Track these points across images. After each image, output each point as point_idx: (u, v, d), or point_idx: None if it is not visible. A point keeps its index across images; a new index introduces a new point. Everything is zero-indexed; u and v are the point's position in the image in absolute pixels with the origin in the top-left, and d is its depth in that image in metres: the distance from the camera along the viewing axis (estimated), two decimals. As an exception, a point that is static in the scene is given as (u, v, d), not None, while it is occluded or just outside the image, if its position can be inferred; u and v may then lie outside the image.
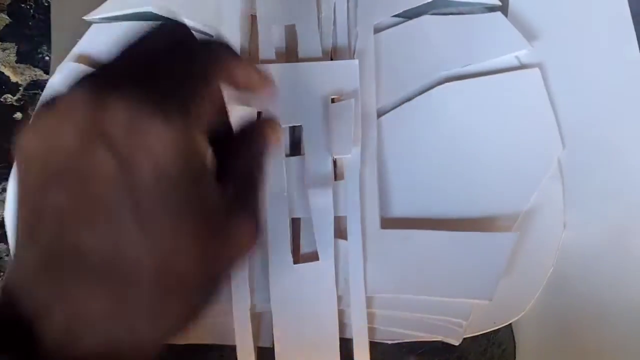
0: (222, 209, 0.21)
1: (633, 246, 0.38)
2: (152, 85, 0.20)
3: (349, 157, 0.36)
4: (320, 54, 0.38)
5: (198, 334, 0.36)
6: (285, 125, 0.37)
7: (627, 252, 0.38)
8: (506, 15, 0.41)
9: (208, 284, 0.21)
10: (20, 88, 0.42)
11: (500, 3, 0.41)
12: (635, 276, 0.38)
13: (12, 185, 0.38)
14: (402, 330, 0.36)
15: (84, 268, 0.18)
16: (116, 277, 0.19)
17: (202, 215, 0.20)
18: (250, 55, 0.39)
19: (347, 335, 0.36)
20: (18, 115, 0.41)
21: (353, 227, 0.36)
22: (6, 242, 0.38)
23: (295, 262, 0.35)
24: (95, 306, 0.19)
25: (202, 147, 0.20)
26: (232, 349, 0.36)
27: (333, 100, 0.37)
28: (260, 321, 0.36)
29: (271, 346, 0.35)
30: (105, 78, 0.20)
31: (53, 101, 0.19)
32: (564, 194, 0.38)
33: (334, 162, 0.37)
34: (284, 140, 0.37)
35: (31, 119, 0.20)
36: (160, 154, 0.19)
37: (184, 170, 0.19)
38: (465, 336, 0.36)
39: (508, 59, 0.40)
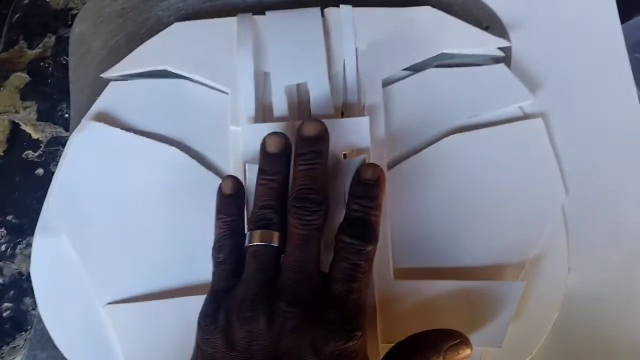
0: None
1: (636, 289, 0.39)
2: None
3: (362, 211, 0.38)
4: (332, 111, 0.40)
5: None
6: (299, 181, 0.38)
7: (631, 295, 0.39)
8: (509, 66, 0.43)
9: None
10: (41, 145, 0.43)
11: (503, 54, 0.43)
12: (638, 318, 0.39)
13: (37, 240, 0.40)
14: (415, 377, 0.38)
15: None
16: None
17: None
18: (264, 113, 0.40)
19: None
20: (40, 171, 0.43)
21: (367, 279, 0.37)
22: (32, 296, 0.39)
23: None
24: None
25: None
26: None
27: (345, 156, 0.38)
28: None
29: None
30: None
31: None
32: (568, 240, 0.40)
33: (347, 216, 0.38)
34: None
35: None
36: None
37: None
38: (475, 381, 0.38)
39: (512, 110, 0.42)
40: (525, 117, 0.42)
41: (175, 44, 0.42)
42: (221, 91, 0.41)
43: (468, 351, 0.32)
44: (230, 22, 0.42)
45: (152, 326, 0.37)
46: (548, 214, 0.40)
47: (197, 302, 0.37)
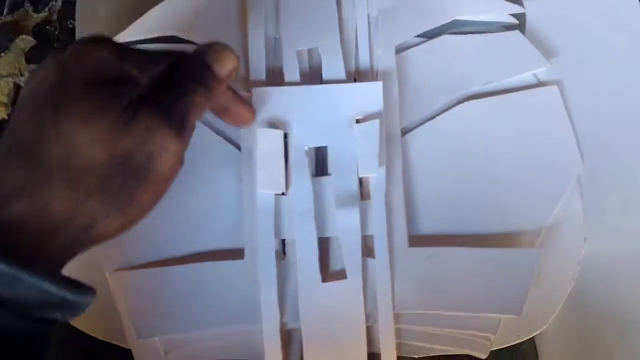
0: (142, 112, 0.27)
1: (652, 259, 0.39)
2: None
3: (375, 177, 0.37)
4: (344, 76, 0.39)
5: (227, 350, 0.37)
6: (311, 145, 0.37)
7: (647, 265, 0.39)
8: (524, 33, 0.42)
9: (123, 172, 0.27)
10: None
11: (517, 21, 0.42)
12: (655, 288, 0.38)
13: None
14: (429, 344, 0.37)
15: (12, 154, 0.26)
16: (36, 160, 0.26)
17: (117, 113, 0.26)
18: (274, 77, 0.40)
19: (376, 351, 0.37)
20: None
21: (380, 246, 0.37)
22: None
23: (323, 281, 0.36)
24: (14, 176, 0.25)
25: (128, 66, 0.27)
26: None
27: (357, 121, 0.38)
28: (290, 339, 0.37)
29: (300, 363, 0.36)
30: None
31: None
32: (584, 209, 0.39)
33: (360, 182, 0.37)
34: (310, 160, 0.38)
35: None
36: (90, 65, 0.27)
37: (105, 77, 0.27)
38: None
39: (526, 77, 0.41)
40: (540, 84, 0.41)
41: (183, 10, 0.41)
42: None
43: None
44: None
45: (158, 292, 0.37)
46: (564, 182, 0.39)
47: (204, 269, 0.37)
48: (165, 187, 0.29)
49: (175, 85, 0.29)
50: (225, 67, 0.30)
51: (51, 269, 0.26)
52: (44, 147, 0.26)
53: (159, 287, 0.37)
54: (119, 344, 0.37)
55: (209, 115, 0.39)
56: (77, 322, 0.37)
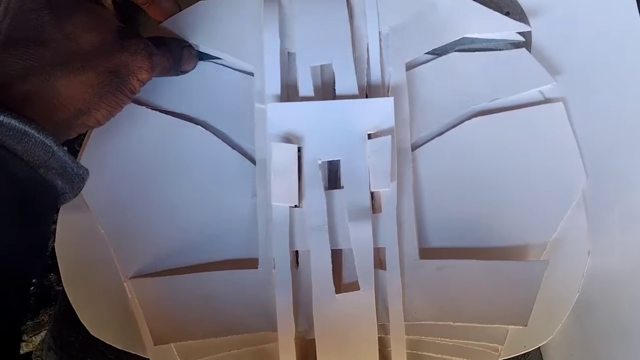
0: (133, 37, 0.35)
1: (655, 272, 0.40)
2: None
3: (387, 191, 0.38)
4: (356, 91, 0.40)
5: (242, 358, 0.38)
6: (325, 159, 0.38)
7: (650, 278, 0.40)
8: (530, 51, 0.43)
9: (113, 77, 0.34)
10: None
11: (523, 39, 0.43)
12: (658, 300, 0.40)
13: (62, 216, 0.40)
14: (439, 355, 0.38)
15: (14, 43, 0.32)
16: (32, 51, 0.31)
17: (114, 31, 0.34)
18: (289, 92, 0.41)
19: (386, 360, 0.38)
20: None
21: (391, 258, 0.38)
22: (57, 272, 0.39)
23: (337, 292, 0.37)
24: (19, 63, 0.31)
25: None
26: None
27: (369, 136, 0.39)
28: (304, 348, 0.38)
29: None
30: None
31: None
32: (588, 223, 0.40)
33: (372, 195, 0.39)
34: (324, 173, 0.39)
35: None
36: None
37: None
38: (498, 360, 0.38)
39: (532, 94, 0.42)
40: (546, 101, 0.42)
41: (201, 21, 0.42)
42: (245, 72, 0.42)
43: None
44: (255, 2, 0.42)
45: (175, 299, 0.38)
46: (569, 197, 0.41)
47: (220, 278, 0.38)
48: (126, 101, 0.36)
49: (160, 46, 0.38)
50: (188, 65, 0.42)
51: (53, 136, 0.31)
52: (49, 44, 0.32)
53: (175, 295, 0.38)
54: (137, 354, 0.38)
55: (226, 130, 0.40)
56: (97, 332, 0.38)
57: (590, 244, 0.40)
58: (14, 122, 0.29)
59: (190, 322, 0.38)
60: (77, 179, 0.34)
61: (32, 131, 0.30)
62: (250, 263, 0.39)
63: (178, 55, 0.40)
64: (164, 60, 0.38)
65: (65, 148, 0.32)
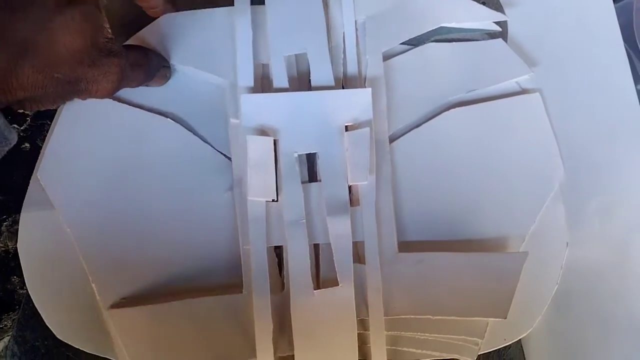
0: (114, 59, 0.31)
1: (633, 262, 0.40)
2: None
3: (365, 184, 0.37)
4: (332, 82, 0.39)
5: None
6: (301, 152, 0.37)
7: (628, 268, 0.40)
8: (506, 41, 0.43)
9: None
10: (27, 118, 0.41)
11: (500, 29, 0.43)
12: (636, 290, 0.40)
13: (25, 215, 0.38)
14: (419, 350, 0.38)
15: None
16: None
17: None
18: (263, 84, 0.39)
19: (367, 357, 0.37)
20: (26, 145, 0.41)
21: (370, 252, 0.37)
22: (20, 275, 0.37)
23: (315, 288, 0.36)
24: None
25: None
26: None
27: (347, 128, 0.38)
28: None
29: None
30: None
31: None
32: (566, 214, 0.40)
33: (350, 189, 0.38)
34: (301, 166, 0.38)
35: None
36: None
37: None
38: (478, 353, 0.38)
39: (509, 85, 0.42)
40: (523, 92, 0.42)
41: (168, 34, 0.40)
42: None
43: None
44: (225, 14, 0.40)
45: (157, 329, 0.36)
46: (546, 188, 0.40)
47: (202, 304, 0.37)
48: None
49: None
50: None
51: None
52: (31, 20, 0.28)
53: (158, 324, 0.36)
54: (107, 357, 0.36)
55: (199, 126, 0.39)
56: (64, 336, 0.37)
57: (568, 235, 0.40)
58: None
59: (173, 353, 0.36)
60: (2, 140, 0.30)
61: None
62: (231, 259, 0.37)
63: (153, 75, 0.38)
64: (134, 81, 0.36)
65: None
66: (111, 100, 0.39)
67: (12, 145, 0.31)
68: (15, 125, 0.41)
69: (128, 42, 0.39)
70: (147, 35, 0.39)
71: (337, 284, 0.36)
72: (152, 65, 0.37)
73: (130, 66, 0.34)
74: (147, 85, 0.38)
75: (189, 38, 0.40)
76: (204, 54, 0.40)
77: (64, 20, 0.29)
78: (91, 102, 0.38)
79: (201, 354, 0.36)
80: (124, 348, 0.36)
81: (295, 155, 0.37)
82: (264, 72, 0.40)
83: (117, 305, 0.37)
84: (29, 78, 0.28)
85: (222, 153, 0.39)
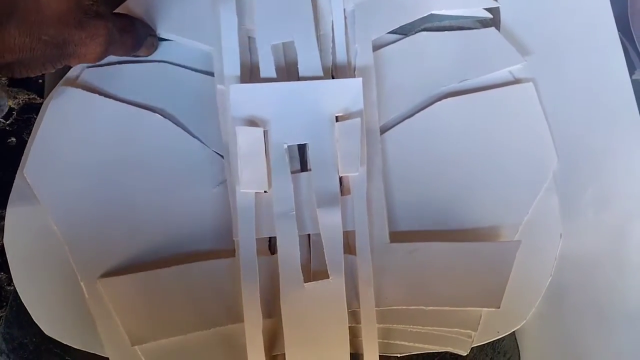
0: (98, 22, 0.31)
1: (628, 252, 0.40)
2: None
3: (356, 175, 0.37)
4: (320, 72, 0.38)
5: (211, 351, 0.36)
6: (291, 143, 0.37)
7: (623, 258, 0.40)
8: (498, 30, 0.42)
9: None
10: (13, 112, 0.41)
11: (491, 16, 0.42)
12: (631, 280, 0.39)
13: (11, 210, 0.37)
14: (411, 343, 0.37)
15: None
16: None
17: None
18: (250, 72, 0.39)
19: (358, 350, 0.36)
20: (12, 140, 0.40)
21: (362, 242, 0.36)
22: (7, 271, 0.36)
23: (306, 281, 0.35)
24: None
25: None
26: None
27: (337, 119, 0.37)
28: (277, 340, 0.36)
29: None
30: None
31: None
32: (560, 205, 0.40)
33: (340, 179, 0.37)
34: (291, 157, 0.37)
35: None
36: None
37: None
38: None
39: (502, 74, 0.41)
40: (516, 81, 0.42)
41: (153, 4, 0.39)
42: (203, 71, 0.40)
43: None
44: None
45: (148, 297, 0.36)
46: (540, 178, 0.40)
47: (193, 270, 0.36)
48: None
49: None
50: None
51: None
52: None
53: (149, 292, 0.36)
54: (95, 353, 0.36)
55: (188, 120, 0.39)
56: (52, 331, 0.36)
57: (562, 226, 0.39)
58: None
59: (165, 319, 0.36)
60: None
61: None
62: (217, 255, 0.37)
63: (140, 42, 0.37)
64: (122, 47, 0.35)
65: None
66: (98, 95, 0.38)
67: (3, 113, 0.32)
68: (2, 120, 0.40)
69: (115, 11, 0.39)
70: (132, 4, 0.39)
71: (327, 276, 0.35)
72: (139, 33, 0.37)
73: (118, 31, 0.34)
74: (135, 56, 0.38)
75: (174, 8, 0.39)
76: (189, 23, 0.39)
77: None
78: (78, 96, 0.38)
79: (191, 319, 0.35)
80: (116, 316, 0.35)
81: (285, 146, 0.37)
82: (251, 61, 0.39)
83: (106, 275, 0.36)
84: (16, 40, 0.29)
85: (212, 149, 0.39)
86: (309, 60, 0.38)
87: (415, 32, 0.42)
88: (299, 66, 0.38)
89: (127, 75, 0.39)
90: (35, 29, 0.29)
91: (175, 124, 0.39)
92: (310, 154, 0.37)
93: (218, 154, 0.39)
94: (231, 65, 0.38)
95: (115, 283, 0.36)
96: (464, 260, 0.37)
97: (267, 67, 0.38)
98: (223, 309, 0.36)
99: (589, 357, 0.39)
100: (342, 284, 0.35)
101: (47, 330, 0.36)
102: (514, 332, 0.39)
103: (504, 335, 0.38)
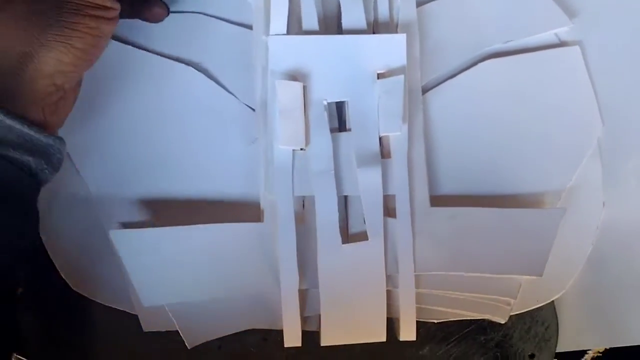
0: None
1: (672, 223, 0.38)
2: None
3: (397, 135, 0.35)
4: (364, 26, 0.37)
5: (241, 318, 0.35)
6: (331, 99, 0.35)
7: (666, 229, 0.38)
8: (544, -10, 0.40)
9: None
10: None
11: (537, -24, 0.41)
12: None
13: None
14: (449, 309, 0.36)
15: None
16: None
17: None
18: (292, 26, 0.37)
19: (394, 315, 0.35)
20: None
21: (402, 206, 0.35)
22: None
23: (344, 242, 0.34)
24: None
25: None
26: (277, 332, 0.35)
27: (378, 76, 0.36)
28: (307, 303, 0.35)
29: (317, 329, 0.35)
30: None
31: None
32: (602, 173, 0.38)
33: (380, 140, 0.36)
34: (330, 114, 0.36)
35: None
36: None
37: None
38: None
39: (548, 36, 0.40)
40: (562, 44, 0.40)
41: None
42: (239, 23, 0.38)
43: None
44: None
45: (167, 254, 0.34)
46: (584, 145, 0.39)
47: (220, 231, 0.35)
48: (92, 24, 0.29)
49: None
50: None
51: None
52: None
53: (168, 249, 0.34)
54: (124, 310, 0.35)
55: (222, 74, 0.37)
56: (78, 286, 0.35)
57: (604, 195, 0.38)
58: None
59: (184, 281, 0.34)
60: (53, 151, 0.29)
61: None
62: (250, 210, 0.36)
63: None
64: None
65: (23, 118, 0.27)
66: (131, 47, 0.37)
67: (63, 152, 0.30)
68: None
69: None
70: None
71: (366, 238, 0.34)
72: None
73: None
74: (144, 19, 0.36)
75: None
76: None
77: None
78: (111, 47, 0.36)
79: (214, 284, 0.34)
80: (128, 271, 0.34)
81: (325, 102, 0.35)
82: (293, 13, 0.37)
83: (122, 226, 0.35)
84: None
85: (246, 104, 0.37)
86: (352, 14, 0.36)
87: (459, -10, 0.40)
88: (342, 20, 0.36)
89: (159, 26, 0.37)
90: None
91: (209, 77, 0.37)
92: (350, 111, 0.35)
93: (251, 108, 0.37)
94: (276, 17, 0.36)
95: (130, 236, 0.34)
96: (506, 227, 0.36)
97: (309, 19, 0.36)
98: (248, 275, 0.35)
99: (628, 328, 0.38)
100: (382, 247, 0.34)
101: (75, 285, 0.35)
102: (552, 301, 0.37)
103: (542, 304, 0.37)
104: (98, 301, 0.35)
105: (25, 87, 0.28)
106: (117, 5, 0.30)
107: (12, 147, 0.27)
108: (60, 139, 0.29)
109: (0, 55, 0.27)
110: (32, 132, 0.27)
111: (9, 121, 0.26)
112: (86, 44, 0.29)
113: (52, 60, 0.28)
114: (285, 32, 0.36)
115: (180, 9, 0.38)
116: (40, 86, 0.28)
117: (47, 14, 0.27)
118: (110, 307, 0.35)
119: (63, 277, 0.35)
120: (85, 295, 0.35)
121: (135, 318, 0.35)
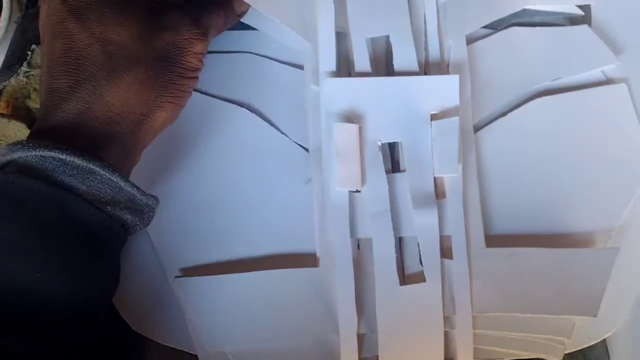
0: (172, 13, 0.31)
1: None
2: None
3: (452, 176, 0.35)
4: (416, 67, 0.37)
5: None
6: (385, 140, 0.36)
7: None
8: (589, 27, 0.41)
9: (159, 62, 0.30)
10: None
11: (582, 13, 0.41)
12: None
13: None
14: (504, 349, 0.36)
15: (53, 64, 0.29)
16: (71, 64, 0.29)
17: (145, 11, 0.30)
18: (344, 68, 0.37)
19: (450, 356, 0.35)
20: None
21: (458, 247, 0.35)
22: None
23: (401, 284, 0.34)
24: (60, 83, 0.29)
25: None
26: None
27: (432, 117, 0.36)
28: (364, 346, 0.35)
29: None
30: None
31: None
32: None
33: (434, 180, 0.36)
34: (385, 155, 0.36)
35: None
36: None
37: None
38: (563, 353, 0.36)
39: (594, 73, 0.40)
40: (608, 81, 0.40)
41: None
42: (291, 64, 0.39)
43: None
44: None
45: (226, 300, 0.35)
46: (633, 182, 0.39)
47: (276, 277, 0.35)
48: (191, 84, 0.32)
49: (204, 5, 0.33)
50: (242, 7, 0.35)
51: (118, 169, 0.29)
52: (81, 53, 0.29)
53: (227, 295, 0.35)
54: (185, 350, 0.35)
55: (274, 114, 0.38)
56: (139, 327, 0.35)
57: (655, 232, 0.38)
58: (78, 161, 0.27)
59: (242, 327, 0.35)
60: (147, 209, 0.31)
61: (98, 169, 0.28)
62: (308, 260, 0.36)
63: (227, 3, 0.35)
64: (215, 18, 0.33)
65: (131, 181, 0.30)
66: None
67: (155, 210, 0.32)
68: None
69: None
70: None
71: (423, 279, 0.34)
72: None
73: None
74: (238, 17, 0.36)
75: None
76: (289, 13, 0.37)
77: (99, 20, 0.30)
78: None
79: (272, 328, 0.35)
80: (189, 317, 0.34)
81: (379, 143, 0.35)
82: (342, 54, 0.37)
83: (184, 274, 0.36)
84: (121, 87, 0.30)
85: (299, 145, 0.38)
86: (404, 55, 0.37)
87: (506, 27, 0.40)
88: (394, 61, 0.37)
89: (209, 65, 0.38)
90: (131, 64, 0.30)
91: (262, 118, 0.38)
92: (405, 152, 0.36)
93: (305, 149, 0.37)
94: (326, 60, 0.36)
95: (191, 283, 0.35)
96: (561, 267, 0.36)
97: (361, 61, 0.37)
98: (305, 320, 0.35)
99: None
100: (439, 288, 0.34)
101: (134, 325, 0.35)
102: (604, 339, 0.38)
103: (595, 342, 0.37)
104: (157, 340, 0.35)
105: (138, 143, 0.31)
106: (202, 64, 0.33)
107: (119, 206, 0.29)
108: (156, 198, 0.32)
109: (125, 117, 0.30)
110: (135, 192, 0.30)
111: (122, 184, 0.29)
112: (186, 101, 0.32)
113: (162, 118, 0.31)
114: (334, 70, 0.36)
115: (232, 49, 0.38)
116: (149, 140, 0.32)
117: (160, 78, 0.30)
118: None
119: (123, 317, 0.35)
120: (145, 334, 0.35)
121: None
